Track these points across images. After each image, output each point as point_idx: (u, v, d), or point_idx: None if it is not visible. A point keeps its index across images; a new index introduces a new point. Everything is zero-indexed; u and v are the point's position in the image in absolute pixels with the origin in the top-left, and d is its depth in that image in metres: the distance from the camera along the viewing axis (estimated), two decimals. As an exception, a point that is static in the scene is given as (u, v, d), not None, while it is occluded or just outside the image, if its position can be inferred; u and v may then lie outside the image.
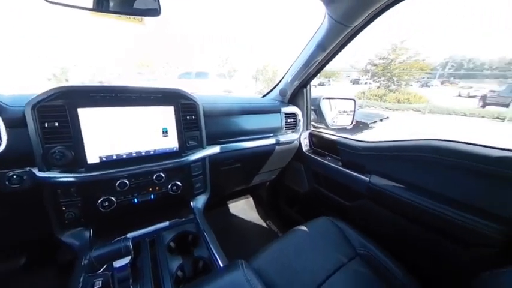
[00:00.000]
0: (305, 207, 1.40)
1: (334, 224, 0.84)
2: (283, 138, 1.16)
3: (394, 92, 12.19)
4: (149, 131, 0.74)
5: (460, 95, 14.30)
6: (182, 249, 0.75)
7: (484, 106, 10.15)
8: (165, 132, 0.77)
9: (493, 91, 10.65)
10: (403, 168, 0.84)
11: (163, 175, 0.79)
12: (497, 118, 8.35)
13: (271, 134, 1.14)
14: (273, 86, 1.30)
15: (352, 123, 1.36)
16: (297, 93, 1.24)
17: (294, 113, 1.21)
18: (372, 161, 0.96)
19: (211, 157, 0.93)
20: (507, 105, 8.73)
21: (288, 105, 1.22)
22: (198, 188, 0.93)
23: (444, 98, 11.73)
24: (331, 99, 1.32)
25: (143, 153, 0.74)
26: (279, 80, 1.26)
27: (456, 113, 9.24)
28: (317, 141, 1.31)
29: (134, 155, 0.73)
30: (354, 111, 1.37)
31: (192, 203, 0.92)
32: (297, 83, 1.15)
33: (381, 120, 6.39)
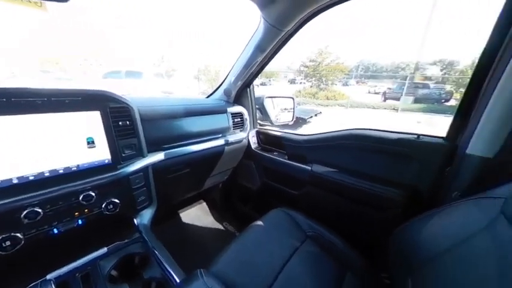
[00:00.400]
0: (259, 203, 1.46)
1: (286, 213, 0.91)
2: (232, 138, 1.16)
3: (324, 91, 14.12)
4: (68, 143, 0.61)
5: (369, 92, 17.85)
6: (128, 275, 0.65)
7: (385, 100, 13.12)
8: (90, 142, 0.64)
9: (390, 88, 13.92)
10: (334, 154, 0.99)
11: (93, 194, 0.66)
12: (393, 109, 10.98)
13: (220, 135, 1.13)
14: (217, 86, 1.28)
15: (293, 119, 1.49)
16: (241, 93, 1.27)
17: (240, 113, 1.23)
18: (312, 151, 1.08)
19: (155, 165, 0.84)
20: (398, 99, 11.72)
21: (234, 105, 1.23)
22: (142, 201, 0.82)
23: (359, 95, 14.50)
24: (273, 98, 1.40)
25: (61, 171, 0.60)
26: (222, 80, 1.25)
27: (368, 106, 11.58)
28: (264, 138, 1.37)
29: (47, 174, 0.58)
30: (294, 108, 1.50)
31: (136, 220, 0.81)
32: (240, 83, 1.17)
33: (316, 115, 7.30)
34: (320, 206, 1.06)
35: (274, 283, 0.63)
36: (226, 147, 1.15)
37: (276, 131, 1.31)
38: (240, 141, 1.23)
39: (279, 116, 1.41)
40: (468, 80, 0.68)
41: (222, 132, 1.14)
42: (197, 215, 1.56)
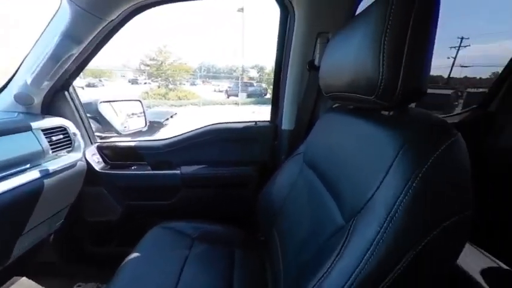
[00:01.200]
0: (127, 233, 1.17)
1: (165, 227, 0.82)
2: (54, 165, 0.79)
3: (174, 91, 13.83)
4: None
5: (215, 91, 20.28)
6: None
7: (228, 97, 15.70)
8: None
9: (229, 87, 16.84)
10: (199, 151, 1.04)
11: None
12: (235, 104, 13.52)
13: (27, 165, 0.72)
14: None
15: (146, 124, 1.32)
16: (55, 98, 0.89)
17: (60, 126, 0.86)
18: (176, 154, 1.04)
19: None
20: (237, 95, 14.70)
21: (45, 117, 0.84)
22: None
23: (207, 93, 16.02)
24: (112, 102, 1.14)
25: None
26: (6, 82, 0.79)
27: (216, 103, 13.25)
28: (112, 154, 1.09)
29: None
30: (144, 112, 1.33)
31: None
32: (48, 84, 0.80)
33: (172, 117, 7.03)
34: (199, 204, 1.07)
35: None
36: (46, 181, 0.76)
37: (127, 142, 1.09)
38: (72, 165, 0.87)
39: (127, 123, 1.18)
40: (273, 79, 1.00)
41: (31, 160, 0.74)
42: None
